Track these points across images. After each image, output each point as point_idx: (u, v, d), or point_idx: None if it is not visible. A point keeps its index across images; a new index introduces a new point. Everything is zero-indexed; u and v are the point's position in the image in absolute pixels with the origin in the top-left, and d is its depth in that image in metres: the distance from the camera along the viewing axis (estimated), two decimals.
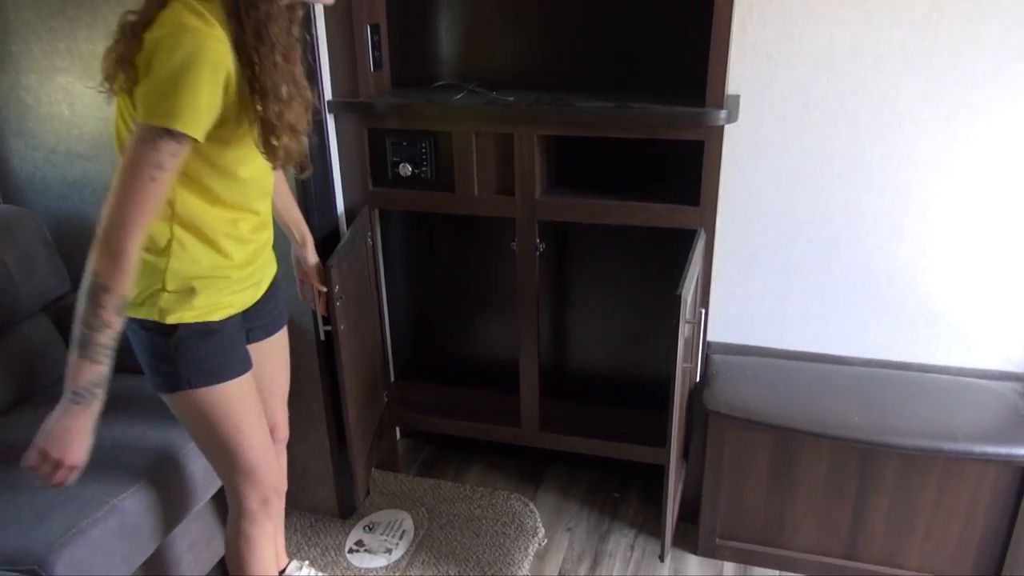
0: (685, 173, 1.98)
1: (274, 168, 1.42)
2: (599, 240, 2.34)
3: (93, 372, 1.21)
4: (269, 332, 1.70)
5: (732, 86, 1.95)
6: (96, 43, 2.00)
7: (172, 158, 1.21)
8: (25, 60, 2.09)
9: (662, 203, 2.01)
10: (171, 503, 1.80)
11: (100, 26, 1.98)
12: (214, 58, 1.20)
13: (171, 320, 1.40)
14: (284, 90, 1.30)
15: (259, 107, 1.28)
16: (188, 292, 1.40)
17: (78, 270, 2.21)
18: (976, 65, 1.81)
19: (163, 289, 1.39)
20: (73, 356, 1.21)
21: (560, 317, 2.49)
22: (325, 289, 1.90)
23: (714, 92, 1.84)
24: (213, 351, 1.46)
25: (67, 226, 2.26)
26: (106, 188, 1.28)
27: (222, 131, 1.28)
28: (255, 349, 1.66)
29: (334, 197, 2.17)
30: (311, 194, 1.99)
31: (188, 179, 1.33)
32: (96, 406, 1.24)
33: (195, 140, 1.22)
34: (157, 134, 1.19)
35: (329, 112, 2.09)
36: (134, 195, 1.19)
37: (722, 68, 1.81)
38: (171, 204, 1.34)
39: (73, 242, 2.25)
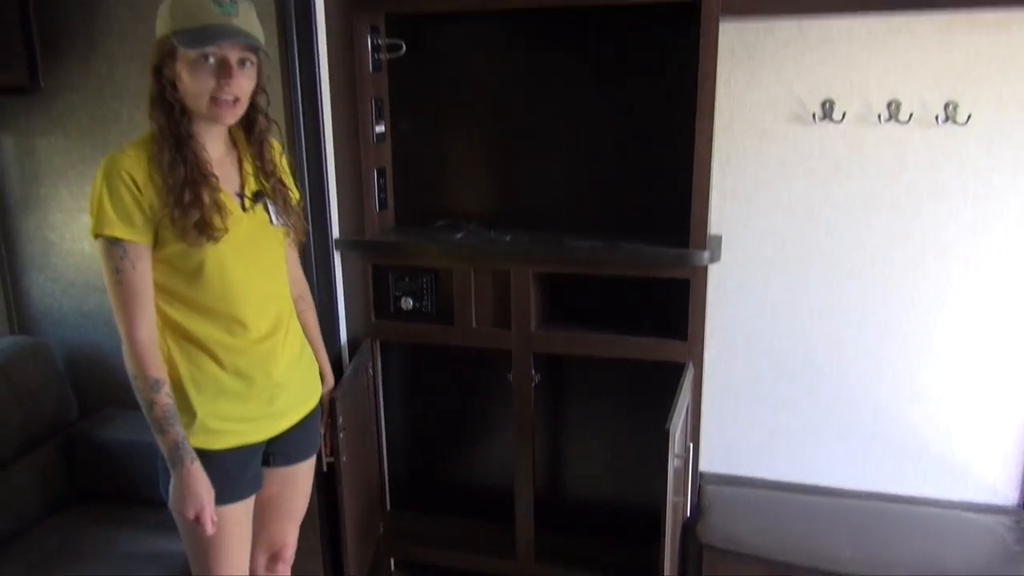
0: (673, 306, 2.07)
1: (196, 241, 1.44)
2: (593, 371, 2.39)
3: (166, 440, 1.44)
4: (292, 461, 1.72)
5: (715, 226, 2.07)
6: None
7: (124, 261, 1.39)
8: (53, 201, 2.24)
9: (651, 337, 2.09)
10: None
11: None
12: (110, 169, 1.38)
13: None
14: (206, 192, 1.44)
15: (196, 206, 1.41)
16: (189, 408, 1.49)
17: (88, 396, 2.29)
18: (939, 208, 1.94)
19: (178, 405, 1.47)
20: (155, 436, 1.45)
21: (555, 446, 2.51)
22: (323, 430, 1.92)
23: (697, 235, 1.95)
24: (208, 474, 1.50)
25: (79, 354, 2.34)
26: None
27: (173, 237, 1.41)
28: (275, 473, 1.69)
29: (338, 328, 2.25)
30: None
31: (164, 289, 1.46)
32: (187, 464, 1.45)
33: (135, 242, 1.38)
34: (99, 244, 1.40)
35: (336, 249, 2.21)
36: (114, 299, 1.41)
37: (704, 212, 1.93)
38: (159, 313, 1.47)
39: (84, 370, 2.32)
